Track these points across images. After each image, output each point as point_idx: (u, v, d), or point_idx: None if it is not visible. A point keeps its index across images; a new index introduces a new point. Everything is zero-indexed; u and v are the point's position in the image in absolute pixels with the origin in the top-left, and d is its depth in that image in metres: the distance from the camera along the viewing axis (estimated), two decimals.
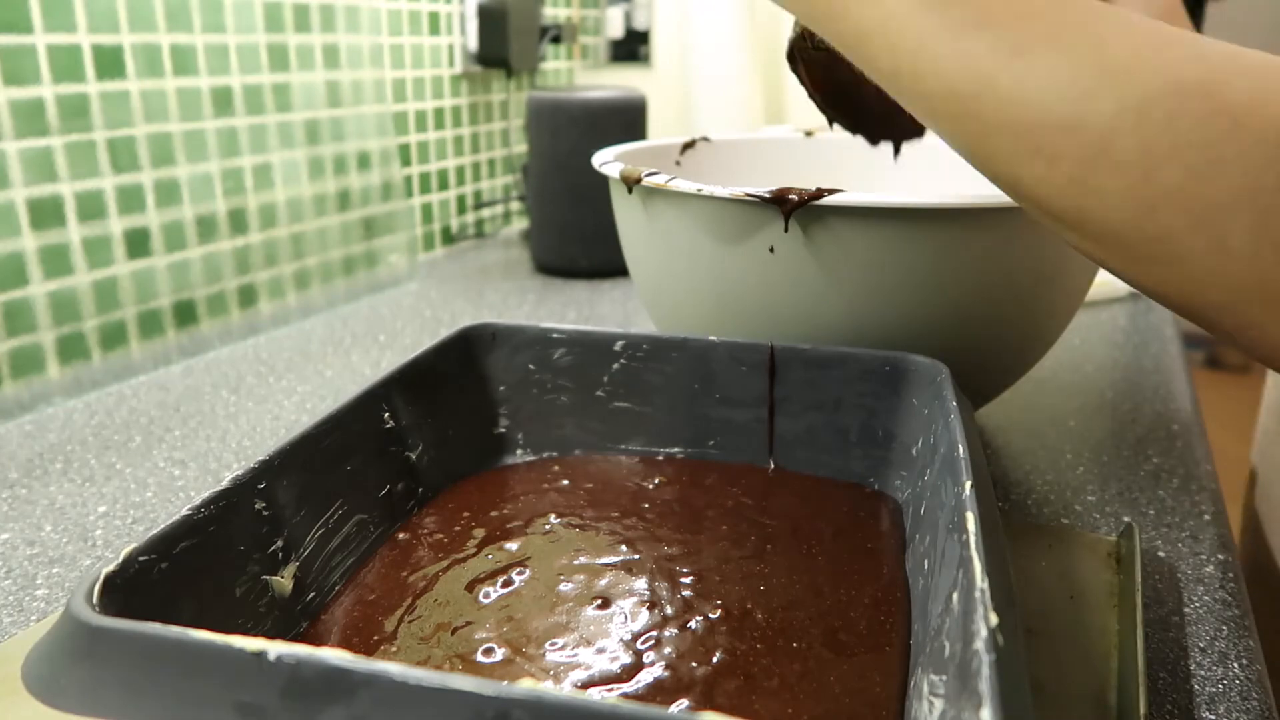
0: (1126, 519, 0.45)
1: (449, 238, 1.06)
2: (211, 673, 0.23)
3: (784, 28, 1.49)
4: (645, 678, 0.30)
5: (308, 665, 0.22)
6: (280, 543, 0.33)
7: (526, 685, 0.21)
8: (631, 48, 1.40)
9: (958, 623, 0.24)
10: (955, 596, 0.26)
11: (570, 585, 0.35)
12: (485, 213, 1.12)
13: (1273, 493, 0.61)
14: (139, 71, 0.65)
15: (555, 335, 0.45)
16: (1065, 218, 0.28)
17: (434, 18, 0.98)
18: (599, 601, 0.34)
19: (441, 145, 1.02)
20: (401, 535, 0.39)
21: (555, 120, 0.89)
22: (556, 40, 1.12)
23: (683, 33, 1.48)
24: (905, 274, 0.42)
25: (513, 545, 0.38)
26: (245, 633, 0.23)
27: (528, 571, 0.36)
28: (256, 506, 0.32)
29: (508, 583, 0.36)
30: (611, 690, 0.30)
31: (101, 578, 0.26)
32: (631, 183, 0.47)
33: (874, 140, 0.52)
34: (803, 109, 1.08)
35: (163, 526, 0.29)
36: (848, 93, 0.49)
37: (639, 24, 1.40)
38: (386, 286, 0.89)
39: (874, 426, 0.42)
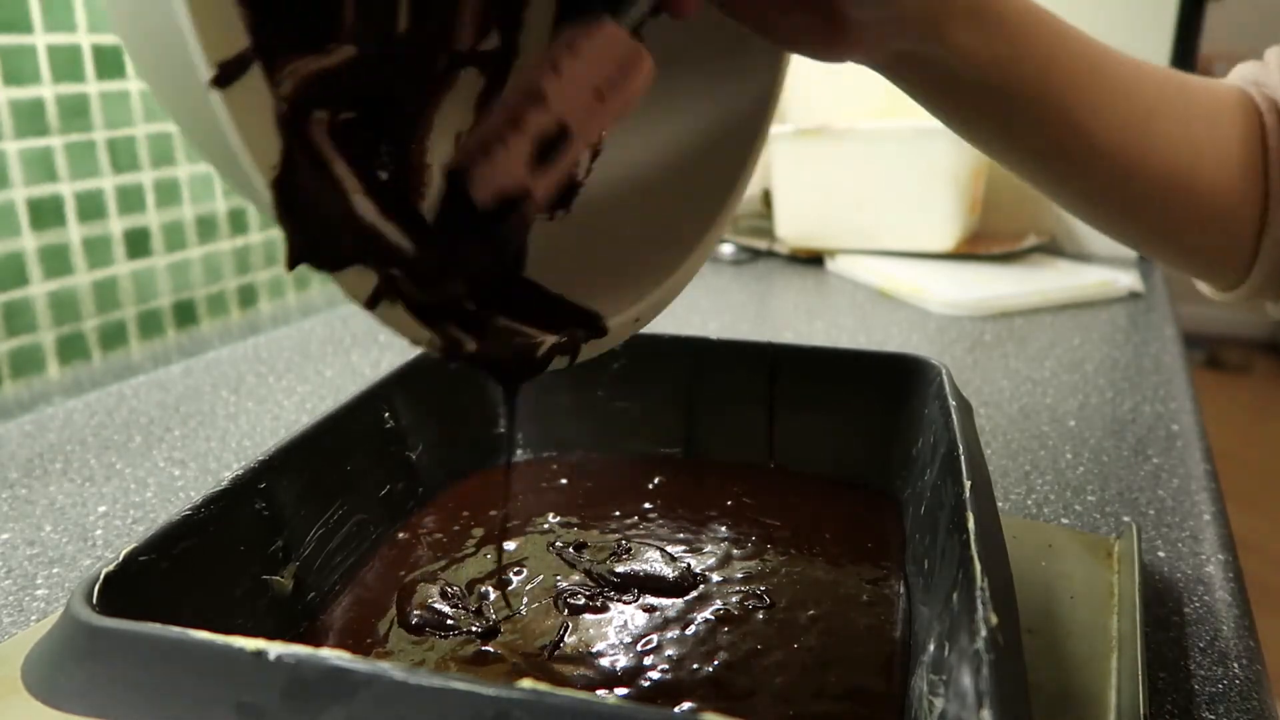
0: (1126, 519, 0.45)
1: None
2: (211, 673, 0.23)
3: None
4: (646, 679, 0.30)
5: (308, 665, 0.22)
6: (280, 543, 0.33)
7: (526, 686, 0.21)
8: None
9: (958, 623, 0.24)
10: (955, 596, 0.26)
11: (569, 586, 0.35)
12: None
13: None
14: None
15: None
16: None
17: None
18: (598, 602, 0.34)
19: None
20: (401, 535, 0.39)
21: None
22: None
23: None
24: None
25: (511, 545, 0.38)
26: (245, 633, 0.23)
27: (525, 572, 0.36)
28: (256, 506, 0.32)
29: (506, 583, 0.36)
30: (611, 692, 0.30)
31: (101, 578, 0.26)
32: None
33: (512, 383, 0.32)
34: (802, 110, 1.07)
35: (163, 526, 0.29)
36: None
37: None
38: None
39: (874, 426, 0.42)
